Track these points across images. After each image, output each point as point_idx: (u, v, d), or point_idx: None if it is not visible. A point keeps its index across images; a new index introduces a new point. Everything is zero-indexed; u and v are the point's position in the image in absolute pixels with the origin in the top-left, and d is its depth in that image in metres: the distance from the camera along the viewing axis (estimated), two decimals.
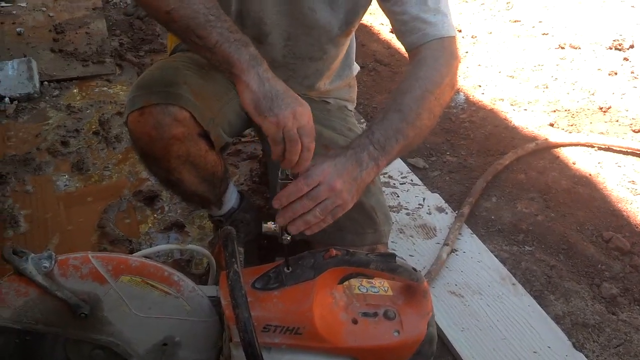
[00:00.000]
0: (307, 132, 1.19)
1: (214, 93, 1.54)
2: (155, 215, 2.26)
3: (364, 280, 1.38)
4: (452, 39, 1.46)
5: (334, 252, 1.24)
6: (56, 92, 3.04)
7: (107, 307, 1.23)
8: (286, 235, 1.25)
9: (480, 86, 3.15)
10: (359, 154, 1.27)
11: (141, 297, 1.24)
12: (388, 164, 1.34)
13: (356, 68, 1.88)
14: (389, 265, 1.26)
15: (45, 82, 3.08)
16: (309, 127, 1.19)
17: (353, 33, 1.71)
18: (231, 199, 1.79)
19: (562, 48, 3.50)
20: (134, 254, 1.26)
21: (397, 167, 2.45)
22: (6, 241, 2.10)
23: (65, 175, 2.47)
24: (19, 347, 1.28)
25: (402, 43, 1.49)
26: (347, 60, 1.79)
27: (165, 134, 1.40)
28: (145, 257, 1.31)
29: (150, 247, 2.03)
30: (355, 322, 1.27)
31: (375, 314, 1.30)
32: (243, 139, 2.63)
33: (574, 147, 2.62)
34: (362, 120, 2.71)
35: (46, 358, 1.32)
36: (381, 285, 1.37)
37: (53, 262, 1.16)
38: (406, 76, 1.40)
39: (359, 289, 1.35)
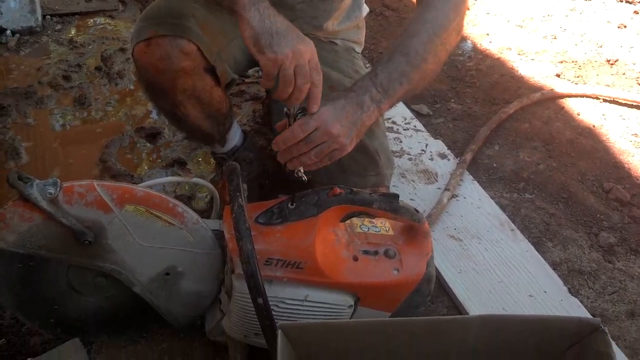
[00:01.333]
0: (302, 72, 1.16)
1: (221, 28, 1.52)
2: (157, 152, 2.26)
3: (366, 219, 1.39)
4: None
5: (337, 190, 1.25)
6: (58, 27, 3.01)
7: (111, 236, 1.24)
8: (301, 173, 1.28)
9: (488, 35, 3.11)
10: (360, 96, 1.26)
11: (145, 227, 1.25)
12: (391, 107, 1.33)
13: (365, 9, 1.85)
14: (391, 205, 1.27)
15: (48, 16, 3.05)
16: (305, 68, 1.16)
17: None
18: (234, 137, 1.78)
19: None
20: (139, 185, 1.26)
21: (401, 113, 2.44)
22: (7, 172, 2.10)
23: (67, 110, 2.46)
24: (22, 272, 1.29)
25: None
26: (357, 0, 1.76)
27: (173, 67, 1.39)
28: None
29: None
30: (356, 259, 1.29)
31: (376, 252, 1.31)
32: (247, 80, 2.61)
33: (579, 98, 2.61)
34: (367, 65, 2.68)
35: (49, 284, 1.34)
36: (383, 225, 1.38)
37: (58, 188, 1.16)
38: (413, 18, 1.38)
39: (361, 228, 1.37)
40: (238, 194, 1.20)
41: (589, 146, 2.33)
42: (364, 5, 1.83)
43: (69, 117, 2.42)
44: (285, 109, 1.24)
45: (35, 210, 1.16)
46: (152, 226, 1.25)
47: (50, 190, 1.15)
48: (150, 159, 2.24)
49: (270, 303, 1.15)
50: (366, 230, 1.36)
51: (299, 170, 1.28)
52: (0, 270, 1.27)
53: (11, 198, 1.20)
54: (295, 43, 1.15)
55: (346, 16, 1.76)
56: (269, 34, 1.14)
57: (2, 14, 2.92)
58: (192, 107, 1.52)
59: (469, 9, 3.32)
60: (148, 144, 2.30)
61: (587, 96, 2.61)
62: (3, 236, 1.19)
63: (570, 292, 1.72)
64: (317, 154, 1.23)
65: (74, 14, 3.12)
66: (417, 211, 1.31)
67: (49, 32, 2.96)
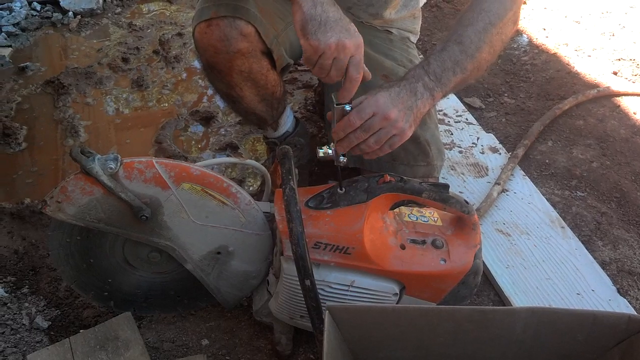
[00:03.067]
0: (338, 66, 1.16)
1: (279, 12, 1.54)
2: (211, 135, 2.30)
3: (415, 208, 1.39)
4: None
5: (388, 177, 1.26)
6: (118, 10, 3.08)
7: (167, 212, 1.28)
8: (342, 157, 1.26)
9: (544, 29, 3.06)
10: (413, 84, 1.26)
11: (200, 205, 1.28)
12: (445, 95, 1.32)
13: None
14: (441, 195, 1.27)
15: None
16: (343, 62, 1.16)
17: None
18: (287, 122, 1.80)
19: None
20: (195, 164, 1.29)
21: (453, 105, 2.43)
22: (66, 149, 2.18)
23: (125, 91, 2.52)
24: (80, 245, 1.35)
25: None
26: None
27: (231, 48, 1.42)
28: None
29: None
30: (403, 247, 1.30)
31: (424, 242, 1.32)
32: (300, 68, 2.63)
33: (636, 97, 2.55)
34: (421, 56, 2.67)
35: (105, 257, 1.39)
36: (431, 215, 1.39)
37: (119, 164, 1.20)
38: (469, 7, 1.37)
39: (409, 217, 1.37)
40: (290, 177, 1.21)
41: None
42: None
43: (126, 99, 2.48)
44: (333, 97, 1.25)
45: (96, 184, 1.20)
46: (207, 205, 1.28)
47: (111, 165, 1.19)
48: (204, 141, 2.28)
49: (317, 286, 1.17)
50: (414, 219, 1.37)
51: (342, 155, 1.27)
52: (60, 241, 1.32)
53: (72, 173, 1.24)
54: (342, 36, 1.15)
55: (403, 5, 1.76)
56: (317, 22, 1.14)
57: None
58: (247, 89, 1.55)
59: (525, 3, 3.27)
60: (202, 127, 2.34)
61: None
62: (64, 208, 1.23)
63: (619, 292, 1.70)
64: (377, 141, 1.22)
65: None
66: (466, 202, 1.31)
67: (109, 14, 3.03)
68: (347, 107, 1.20)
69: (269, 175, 1.45)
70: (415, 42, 1.90)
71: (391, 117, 1.21)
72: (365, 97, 1.23)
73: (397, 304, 1.33)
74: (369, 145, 1.23)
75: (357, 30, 1.19)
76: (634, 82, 2.66)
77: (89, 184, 1.21)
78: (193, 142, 2.28)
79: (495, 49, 1.35)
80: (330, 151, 1.27)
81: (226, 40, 1.41)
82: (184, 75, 2.63)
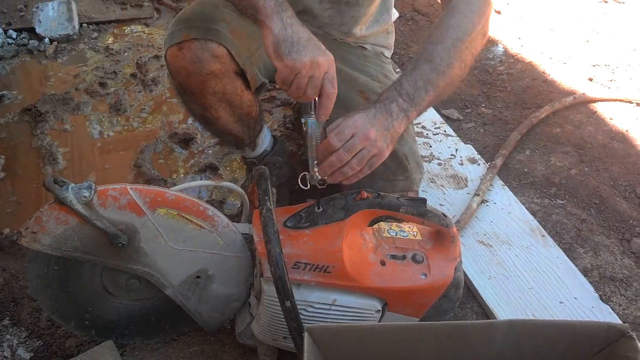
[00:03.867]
0: (314, 84, 1.18)
1: (251, 33, 1.54)
2: (190, 157, 2.30)
3: (394, 224, 1.40)
4: None
5: (365, 194, 1.26)
6: (95, 34, 3.07)
7: (143, 238, 1.27)
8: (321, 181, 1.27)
9: (519, 38, 3.09)
10: (387, 105, 1.27)
11: (176, 230, 1.27)
12: (419, 114, 1.33)
13: (395, 14, 1.86)
14: (419, 209, 1.27)
15: (84, 24, 3.12)
16: (318, 80, 1.18)
17: None
18: (265, 141, 1.80)
19: (605, 2, 3.40)
20: (170, 188, 1.29)
21: (431, 118, 2.44)
22: (45, 177, 2.16)
23: (103, 116, 2.51)
24: (57, 274, 1.33)
25: None
26: (385, 4, 1.77)
27: (203, 70, 1.42)
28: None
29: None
30: (383, 263, 1.30)
31: (404, 257, 1.32)
32: (277, 85, 2.63)
33: (612, 102, 2.57)
34: (397, 70, 2.69)
35: (83, 286, 1.38)
36: (410, 230, 1.39)
37: (93, 192, 1.19)
38: (437, 24, 1.38)
39: (389, 232, 1.37)
40: (267, 197, 1.21)
41: (621, 151, 2.30)
42: (393, 9, 1.84)
43: (105, 124, 2.47)
44: (302, 119, 1.25)
45: (71, 213, 1.20)
46: (184, 229, 1.27)
47: (85, 194, 1.18)
48: (183, 164, 2.27)
49: (299, 307, 1.16)
50: (394, 234, 1.37)
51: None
52: (37, 272, 1.31)
53: (47, 203, 1.23)
54: (315, 54, 1.17)
55: (374, 20, 1.77)
56: (290, 42, 1.16)
57: (40, 22, 3.01)
58: (222, 110, 1.55)
59: (500, 13, 3.30)
60: (181, 150, 2.34)
61: (620, 100, 2.58)
62: (39, 239, 1.22)
63: (601, 299, 1.70)
64: (358, 162, 1.23)
65: (109, 22, 3.18)
66: (445, 215, 1.31)
67: (86, 39, 3.02)
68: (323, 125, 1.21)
69: (246, 196, 1.45)
70: (389, 56, 1.91)
71: (371, 137, 1.22)
72: (342, 119, 1.24)
73: (380, 320, 1.33)
74: (352, 167, 1.23)
75: (326, 48, 1.20)
76: (609, 88, 2.69)
77: (63, 213, 1.20)
78: (172, 164, 2.27)
79: (466, 63, 1.36)
80: (308, 176, 1.27)
81: (198, 62, 1.41)
82: (162, 97, 2.62)
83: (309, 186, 1.27)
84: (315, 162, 1.25)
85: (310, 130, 1.23)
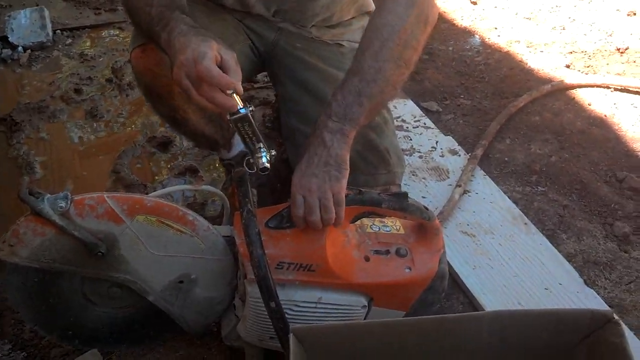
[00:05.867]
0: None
1: (220, 34, 1.51)
2: (169, 161, 2.28)
3: (376, 219, 1.39)
4: None
5: (346, 191, 1.25)
6: (69, 41, 3.04)
7: (123, 246, 1.25)
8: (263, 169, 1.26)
9: (496, 28, 3.09)
10: (319, 135, 1.23)
11: (157, 236, 1.26)
12: (362, 126, 1.27)
13: (371, 5, 1.83)
14: (400, 204, 1.27)
15: (58, 31, 3.08)
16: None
17: None
18: (241, 141, 1.79)
19: None
20: (149, 195, 1.27)
21: (410, 111, 2.44)
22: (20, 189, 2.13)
23: (79, 123, 2.49)
24: (37, 286, 1.31)
25: None
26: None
27: (168, 71, 1.40)
28: (161, 197, 1.32)
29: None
30: (367, 259, 1.30)
31: (387, 252, 1.32)
32: (256, 85, 2.62)
33: (589, 88, 2.59)
34: None
35: (64, 296, 1.36)
36: (393, 224, 1.39)
37: (69, 202, 1.18)
38: (366, 29, 1.32)
39: (371, 228, 1.37)
40: (247, 199, 1.21)
41: (600, 136, 2.31)
42: (372, 5, 1.82)
43: (81, 130, 2.45)
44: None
45: (47, 224, 1.18)
46: (164, 235, 1.26)
47: (61, 204, 1.17)
48: (163, 167, 2.25)
49: (284, 306, 1.16)
50: (377, 230, 1.37)
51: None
52: (16, 284, 1.29)
53: (25, 213, 1.21)
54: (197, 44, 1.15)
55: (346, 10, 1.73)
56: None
57: (13, 30, 2.96)
58: (191, 111, 1.52)
59: (475, 3, 3.31)
60: (160, 153, 2.32)
61: (597, 86, 2.59)
62: (17, 251, 1.20)
63: (586, 283, 1.71)
64: (326, 210, 1.19)
65: (84, 28, 3.14)
66: (426, 208, 1.31)
67: (60, 46, 2.99)
68: (242, 110, 1.18)
69: (226, 198, 1.44)
70: None
71: (314, 188, 1.19)
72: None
73: (366, 316, 1.32)
74: (327, 217, 1.20)
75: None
76: (586, 74, 2.71)
77: (40, 225, 1.18)
78: (152, 169, 2.25)
79: (405, 59, 1.30)
80: (264, 160, 1.25)
81: (163, 63, 1.37)
82: (139, 101, 2.60)
83: (255, 170, 1.26)
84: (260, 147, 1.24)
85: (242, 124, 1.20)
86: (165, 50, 1.22)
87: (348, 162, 1.23)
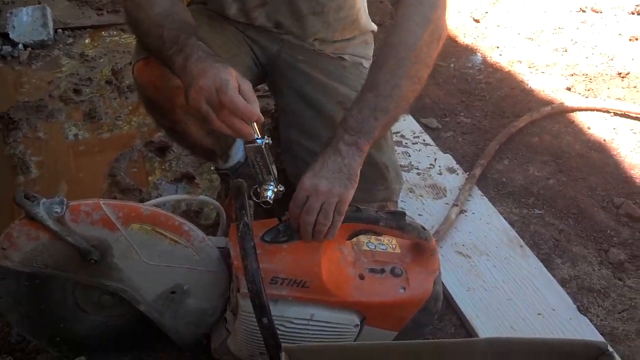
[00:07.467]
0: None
1: (222, 45, 1.52)
2: (166, 166, 2.27)
3: (373, 237, 1.39)
4: None
5: None
6: (70, 40, 3.03)
7: (117, 254, 1.24)
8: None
9: (498, 47, 3.10)
10: (335, 146, 1.23)
11: (151, 245, 1.25)
12: (375, 141, 1.29)
13: (373, 26, 1.84)
14: (398, 222, 1.27)
15: (59, 30, 3.06)
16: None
17: None
18: (239, 152, 1.78)
19: (584, 11, 3.42)
20: (145, 203, 1.27)
21: (410, 127, 2.43)
22: (17, 187, 2.12)
23: (77, 123, 2.47)
24: (28, 291, 1.30)
25: None
26: (352, 10, 1.73)
27: (170, 84, 1.39)
28: (156, 206, 1.31)
29: (161, 196, 2.04)
30: (362, 277, 1.29)
31: (383, 271, 1.31)
32: (256, 94, 2.61)
33: (589, 112, 2.58)
34: None
35: (55, 302, 1.35)
36: (389, 243, 1.38)
37: (64, 207, 1.17)
38: (381, 45, 1.34)
39: (367, 246, 1.36)
40: (244, 212, 1.20)
41: (599, 160, 2.31)
42: (372, 24, 1.82)
43: (79, 131, 2.43)
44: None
45: (42, 229, 1.17)
46: (158, 245, 1.25)
47: (56, 209, 1.16)
48: (159, 173, 2.24)
49: (276, 322, 1.15)
50: (373, 248, 1.36)
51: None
52: (7, 288, 1.28)
53: (20, 216, 1.20)
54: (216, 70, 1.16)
55: (344, 27, 1.74)
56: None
57: (14, 27, 2.95)
58: (192, 123, 1.52)
59: (478, 21, 3.31)
60: (157, 158, 2.31)
61: (597, 110, 2.59)
62: (9, 255, 1.19)
63: (579, 310, 1.71)
64: (324, 216, 1.19)
65: (85, 28, 3.13)
66: (424, 229, 1.30)
67: (61, 45, 2.98)
68: (259, 141, 1.19)
69: (222, 209, 1.43)
70: (368, 67, 1.89)
71: (323, 190, 1.18)
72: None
73: (358, 335, 1.31)
74: (321, 223, 1.20)
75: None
76: (587, 97, 2.71)
77: (34, 229, 1.17)
78: (148, 173, 2.24)
79: (418, 77, 1.32)
80: (269, 194, 1.24)
81: (165, 76, 1.37)
82: (138, 105, 2.58)
83: (257, 200, 1.26)
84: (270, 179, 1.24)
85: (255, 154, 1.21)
86: (177, 75, 1.22)
87: (358, 176, 1.24)
